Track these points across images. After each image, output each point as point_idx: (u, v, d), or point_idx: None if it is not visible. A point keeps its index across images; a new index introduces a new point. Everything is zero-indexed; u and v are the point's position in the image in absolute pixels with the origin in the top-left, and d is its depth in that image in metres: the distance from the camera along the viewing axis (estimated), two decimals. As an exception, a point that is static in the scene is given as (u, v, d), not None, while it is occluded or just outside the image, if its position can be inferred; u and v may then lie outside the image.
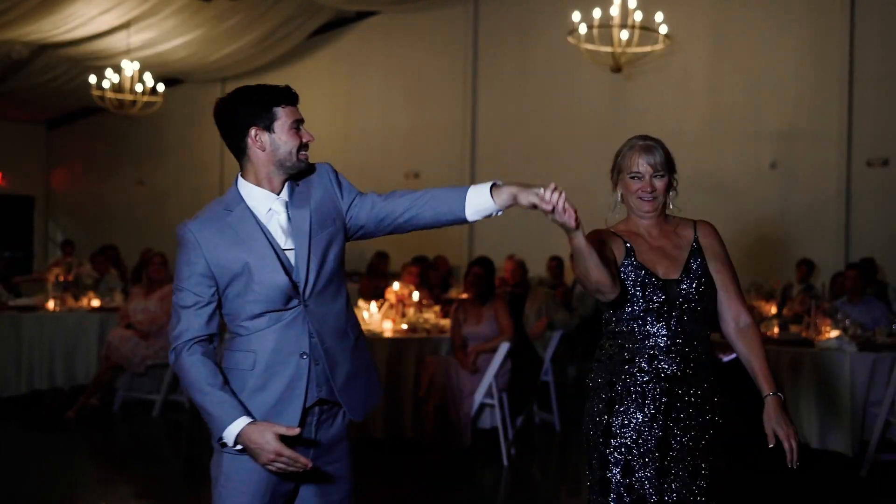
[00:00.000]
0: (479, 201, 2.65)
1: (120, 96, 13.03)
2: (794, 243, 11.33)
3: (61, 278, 9.59)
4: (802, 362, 6.39)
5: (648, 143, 3.16)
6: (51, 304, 8.65)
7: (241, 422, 2.54)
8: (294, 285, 2.62)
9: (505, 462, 6.47)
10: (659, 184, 3.13)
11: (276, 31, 14.43)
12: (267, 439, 2.50)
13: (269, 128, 2.62)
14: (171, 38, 13.76)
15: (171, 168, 17.18)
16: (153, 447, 7.27)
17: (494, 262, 7.20)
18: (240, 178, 2.71)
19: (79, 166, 19.20)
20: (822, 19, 11.88)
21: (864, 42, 11.61)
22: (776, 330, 7.11)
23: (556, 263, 10.84)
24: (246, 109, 2.62)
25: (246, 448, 2.55)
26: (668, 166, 3.13)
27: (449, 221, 2.71)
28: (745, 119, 12.22)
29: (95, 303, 8.90)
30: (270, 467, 2.53)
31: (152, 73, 13.21)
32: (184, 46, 14.13)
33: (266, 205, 2.66)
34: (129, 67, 12.86)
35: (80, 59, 14.27)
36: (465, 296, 7.05)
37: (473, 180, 14.15)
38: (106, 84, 12.83)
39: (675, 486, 2.95)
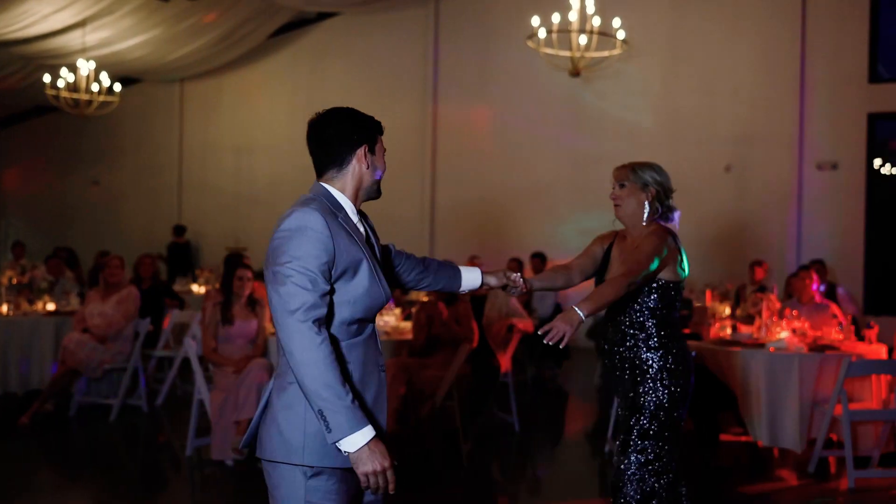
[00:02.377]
0: (471, 278, 3.28)
1: (75, 96, 12.89)
2: (748, 245, 11.54)
3: (14, 281, 9.45)
4: (753, 362, 6.52)
5: (623, 164, 3.92)
6: (4, 308, 8.51)
7: (370, 431, 2.49)
8: (386, 300, 2.73)
9: (464, 462, 6.52)
10: (619, 192, 3.86)
11: (236, 31, 14.35)
12: (383, 449, 2.51)
13: (373, 150, 2.77)
14: (127, 37, 13.62)
15: (128, 169, 17.01)
16: (110, 453, 7.21)
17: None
18: (329, 186, 2.73)
19: (32, 166, 18.89)
20: (775, 28, 12.13)
21: (815, 50, 11.87)
22: (728, 331, 7.25)
23: (515, 265, 10.92)
24: (363, 127, 2.75)
25: (359, 452, 2.48)
26: (638, 179, 3.81)
27: (441, 289, 3.28)
28: (700, 123, 12.43)
29: (51, 306, 8.78)
30: (369, 478, 2.50)
31: (108, 73, 13.07)
32: (141, 46, 13.99)
33: (355, 219, 2.74)
34: (85, 66, 12.71)
35: (33, 58, 14.07)
36: (425, 298, 7.09)
37: (433, 181, 14.21)
38: (61, 83, 12.67)
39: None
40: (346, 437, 2.47)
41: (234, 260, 6.79)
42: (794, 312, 7.30)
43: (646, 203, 3.79)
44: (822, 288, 8.84)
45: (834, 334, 7.00)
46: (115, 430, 7.66)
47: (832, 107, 11.84)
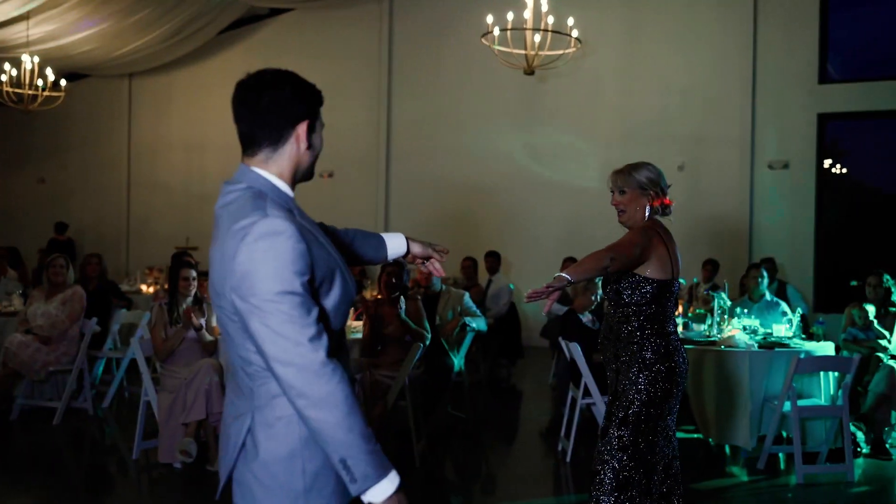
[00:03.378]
0: (396, 244, 2.80)
1: (19, 91, 12.59)
2: (701, 243, 11.63)
3: (-45, 281, 9.19)
4: (705, 360, 6.55)
5: (621, 167, 4.02)
6: (-56, 308, 8.29)
7: (396, 476, 2.15)
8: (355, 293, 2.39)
9: (417, 463, 6.46)
10: (620, 198, 3.96)
11: (186, 26, 14.14)
12: (402, 495, 2.17)
13: (313, 126, 2.32)
14: (74, 31, 13.34)
15: (75, 166, 16.68)
16: (54, 457, 7.01)
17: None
18: (265, 172, 2.26)
19: (-24, 163, 18.49)
20: (728, 30, 12.26)
21: (766, 52, 12.01)
22: (681, 328, 7.28)
23: (469, 264, 10.88)
24: (304, 99, 2.31)
25: (388, 501, 2.14)
26: (637, 183, 3.92)
27: (368, 261, 2.82)
28: (653, 122, 12.51)
29: (-8, 306, 8.57)
30: None
31: (54, 68, 12.79)
32: (87, 40, 13.72)
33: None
34: (29, 61, 12.43)
35: (-25, 52, 13.73)
36: (378, 297, 7.02)
37: (388, 179, 14.12)
38: (4, 78, 12.38)
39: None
40: (374, 485, 2.13)
41: (178, 260, 6.66)
42: (745, 310, 7.36)
43: (647, 207, 3.95)
44: (773, 286, 8.93)
45: (784, 331, 7.07)
46: (59, 433, 7.46)
47: (783, 107, 11.99)
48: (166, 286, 7.06)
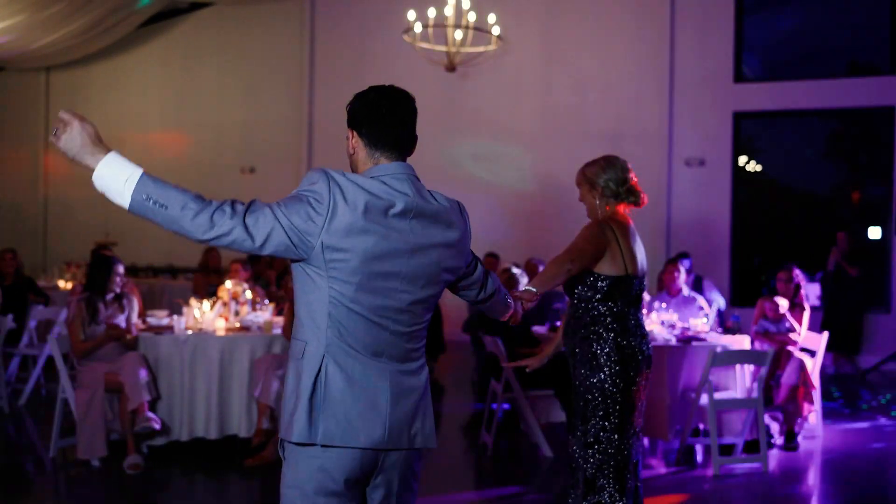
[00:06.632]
0: None
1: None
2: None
3: None
4: (624, 354, 6.66)
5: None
6: None
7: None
8: None
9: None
10: (580, 194, 4.11)
11: (105, 19, 13.83)
12: None
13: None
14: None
15: (-10, 160, 16.21)
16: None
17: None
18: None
19: None
20: (646, 30, 12.50)
21: (683, 51, 12.28)
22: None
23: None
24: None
25: None
26: (586, 180, 4.06)
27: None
28: (573, 119, 12.68)
29: None
30: None
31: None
32: (2, 32, 13.32)
33: None
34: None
35: None
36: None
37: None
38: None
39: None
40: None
41: (108, 259, 6.54)
42: (663, 305, 7.52)
43: (596, 201, 4.03)
44: (689, 276, 9.13)
45: (701, 326, 7.24)
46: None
47: (699, 105, 12.29)
48: (83, 281, 6.92)
